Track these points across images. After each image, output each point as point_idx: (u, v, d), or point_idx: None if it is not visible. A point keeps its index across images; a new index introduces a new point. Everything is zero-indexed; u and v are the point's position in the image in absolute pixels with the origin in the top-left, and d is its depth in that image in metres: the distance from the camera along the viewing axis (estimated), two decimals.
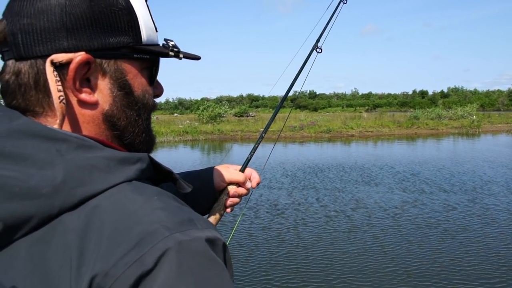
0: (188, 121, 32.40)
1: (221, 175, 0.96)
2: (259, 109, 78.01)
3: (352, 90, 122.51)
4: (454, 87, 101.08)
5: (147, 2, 0.60)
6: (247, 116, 42.76)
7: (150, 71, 0.60)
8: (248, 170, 1.02)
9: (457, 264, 5.02)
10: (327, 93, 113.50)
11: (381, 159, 14.39)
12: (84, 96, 0.53)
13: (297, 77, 1.25)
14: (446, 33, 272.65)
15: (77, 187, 0.46)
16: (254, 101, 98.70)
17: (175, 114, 61.63)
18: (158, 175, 0.57)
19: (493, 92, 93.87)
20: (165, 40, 0.63)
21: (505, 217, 7.00)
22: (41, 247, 0.45)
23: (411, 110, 47.63)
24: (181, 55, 0.62)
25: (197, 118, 32.89)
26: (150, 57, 0.58)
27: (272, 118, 1.18)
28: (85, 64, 0.52)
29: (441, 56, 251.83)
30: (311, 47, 1.31)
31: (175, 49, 0.61)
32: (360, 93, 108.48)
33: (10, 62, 0.52)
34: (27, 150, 0.46)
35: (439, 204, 7.92)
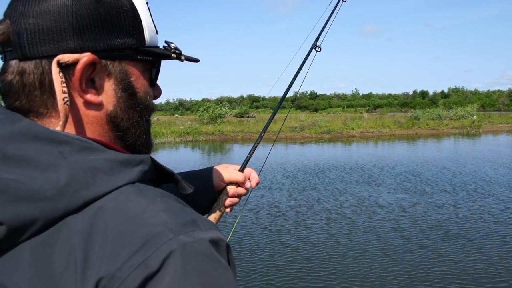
0: (188, 122, 32.44)
1: (220, 175, 0.96)
2: (260, 109, 77.82)
3: (352, 90, 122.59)
4: (454, 87, 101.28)
5: (148, 4, 0.60)
6: (248, 117, 42.68)
7: (151, 73, 0.61)
8: (247, 170, 1.02)
9: (459, 265, 5.01)
10: (328, 93, 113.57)
11: (382, 159, 14.39)
12: (89, 96, 0.53)
13: (296, 76, 1.25)
14: (447, 33, 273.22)
15: (81, 189, 0.46)
16: (254, 102, 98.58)
17: (176, 115, 61.78)
18: (160, 177, 0.57)
19: (494, 92, 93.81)
20: (166, 42, 0.63)
21: (507, 218, 6.99)
22: (45, 250, 0.45)
23: (412, 110, 47.52)
24: (182, 57, 0.63)
25: (198, 119, 32.95)
26: (152, 58, 0.59)
27: (271, 118, 1.17)
28: (91, 64, 0.52)
29: (442, 56, 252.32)
30: (310, 46, 1.31)
31: (177, 51, 0.62)
32: (361, 94, 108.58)
33: (13, 62, 0.52)
34: (29, 152, 0.46)
35: (441, 205, 7.90)
